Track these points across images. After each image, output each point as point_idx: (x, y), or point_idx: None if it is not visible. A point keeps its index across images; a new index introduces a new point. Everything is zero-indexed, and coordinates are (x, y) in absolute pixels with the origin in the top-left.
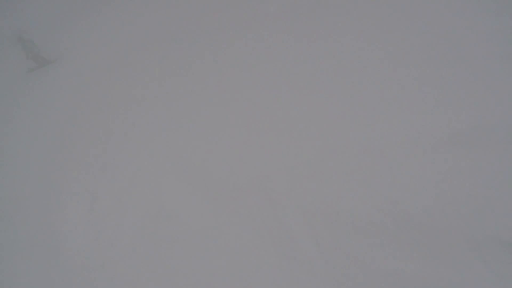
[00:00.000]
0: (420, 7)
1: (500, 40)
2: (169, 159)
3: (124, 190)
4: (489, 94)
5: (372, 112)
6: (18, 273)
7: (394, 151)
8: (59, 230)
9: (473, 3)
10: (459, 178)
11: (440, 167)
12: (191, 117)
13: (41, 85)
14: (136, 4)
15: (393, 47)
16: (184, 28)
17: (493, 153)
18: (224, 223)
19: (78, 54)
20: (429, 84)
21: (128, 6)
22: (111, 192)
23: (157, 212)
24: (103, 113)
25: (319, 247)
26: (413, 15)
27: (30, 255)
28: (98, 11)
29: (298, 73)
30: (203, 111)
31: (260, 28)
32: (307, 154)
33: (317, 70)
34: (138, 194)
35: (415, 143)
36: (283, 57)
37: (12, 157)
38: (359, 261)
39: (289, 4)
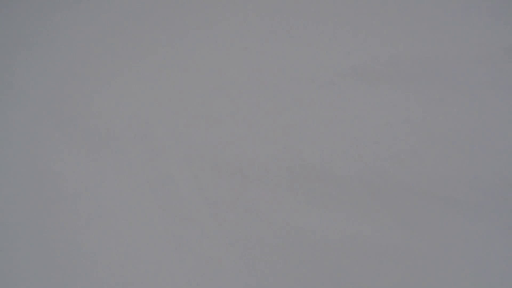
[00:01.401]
0: None
1: None
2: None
3: None
4: (391, 26)
5: (262, 49)
6: None
7: (287, 89)
8: None
9: None
10: (359, 118)
11: (339, 104)
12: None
13: None
14: None
15: None
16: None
17: (395, 88)
18: (105, 179)
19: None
20: (324, 17)
21: None
22: None
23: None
24: None
25: (208, 201)
26: None
27: None
28: None
29: None
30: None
31: None
32: (191, 96)
33: None
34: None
35: (311, 79)
36: None
37: None
38: (256, 216)
39: None
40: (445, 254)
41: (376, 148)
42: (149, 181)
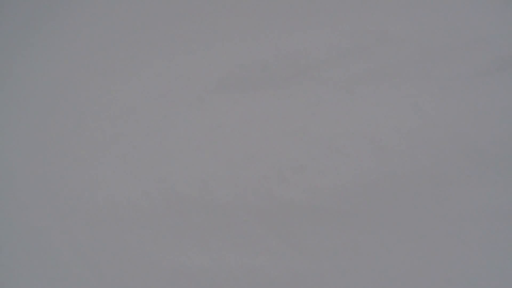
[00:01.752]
0: None
1: None
2: None
3: None
4: (254, 28)
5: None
6: None
7: (149, 112)
8: None
9: None
10: (231, 135)
11: (209, 122)
12: None
13: None
14: None
15: None
16: None
17: (269, 95)
18: None
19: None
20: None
21: None
22: None
23: None
24: None
25: (76, 247)
26: None
27: None
28: None
29: None
30: None
31: None
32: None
33: None
34: None
35: (176, 97)
36: None
37: None
38: (136, 259)
39: None
40: (345, 274)
41: (255, 166)
42: (15, 232)
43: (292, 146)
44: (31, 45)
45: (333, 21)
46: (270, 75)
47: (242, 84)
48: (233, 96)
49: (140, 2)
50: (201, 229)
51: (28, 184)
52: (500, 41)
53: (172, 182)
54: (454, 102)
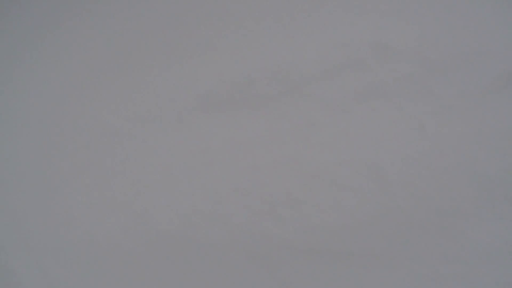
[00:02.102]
0: None
1: None
2: None
3: None
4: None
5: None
6: None
7: (128, 136)
8: None
9: None
10: (215, 162)
11: (189, 147)
12: None
13: None
14: None
15: None
16: None
17: (252, 114)
18: None
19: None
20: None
21: None
22: None
23: None
24: None
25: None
26: None
27: None
28: None
29: None
30: None
31: None
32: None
33: None
34: None
35: (154, 119)
36: None
37: None
38: None
39: None
40: None
41: (244, 200)
42: None
43: (284, 176)
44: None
45: (324, 32)
46: (257, 92)
47: (226, 102)
48: (216, 116)
49: (119, 16)
50: (185, 271)
51: None
52: (506, 55)
53: (152, 217)
54: (461, 124)
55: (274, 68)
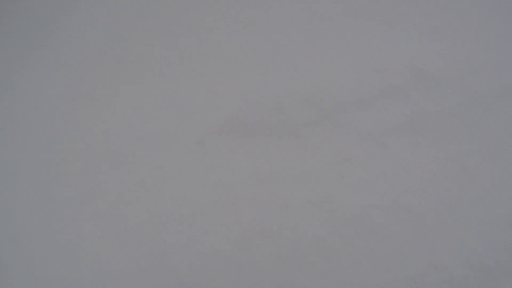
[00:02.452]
0: None
1: None
2: None
3: None
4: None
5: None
6: None
7: (144, 157)
8: None
9: None
10: (234, 185)
11: (208, 172)
12: None
13: None
14: None
15: None
16: None
17: (280, 144)
18: None
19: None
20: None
21: None
22: None
23: None
24: None
25: None
26: None
27: None
28: None
29: None
30: None
31: None
32: None
33: None
34: None
35: (172, 142)
36: None
37: None
38: None
39: None
40: None
41: (269, 244)
42: None
43: (315, 220)
44: None
45: (361, 54)
46: (287, 119)
47: (252, 128)
48: (241, 143)
49: (139, 32)
50: None
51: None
52: None
53: (168, 257)
54: (510, 167)
55: (306, 93)
